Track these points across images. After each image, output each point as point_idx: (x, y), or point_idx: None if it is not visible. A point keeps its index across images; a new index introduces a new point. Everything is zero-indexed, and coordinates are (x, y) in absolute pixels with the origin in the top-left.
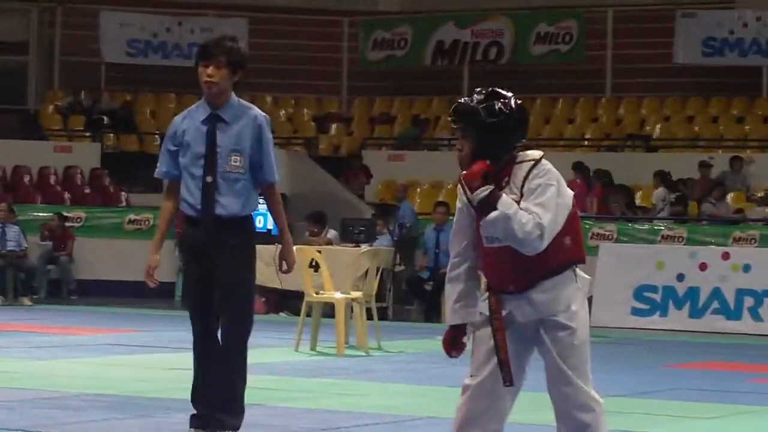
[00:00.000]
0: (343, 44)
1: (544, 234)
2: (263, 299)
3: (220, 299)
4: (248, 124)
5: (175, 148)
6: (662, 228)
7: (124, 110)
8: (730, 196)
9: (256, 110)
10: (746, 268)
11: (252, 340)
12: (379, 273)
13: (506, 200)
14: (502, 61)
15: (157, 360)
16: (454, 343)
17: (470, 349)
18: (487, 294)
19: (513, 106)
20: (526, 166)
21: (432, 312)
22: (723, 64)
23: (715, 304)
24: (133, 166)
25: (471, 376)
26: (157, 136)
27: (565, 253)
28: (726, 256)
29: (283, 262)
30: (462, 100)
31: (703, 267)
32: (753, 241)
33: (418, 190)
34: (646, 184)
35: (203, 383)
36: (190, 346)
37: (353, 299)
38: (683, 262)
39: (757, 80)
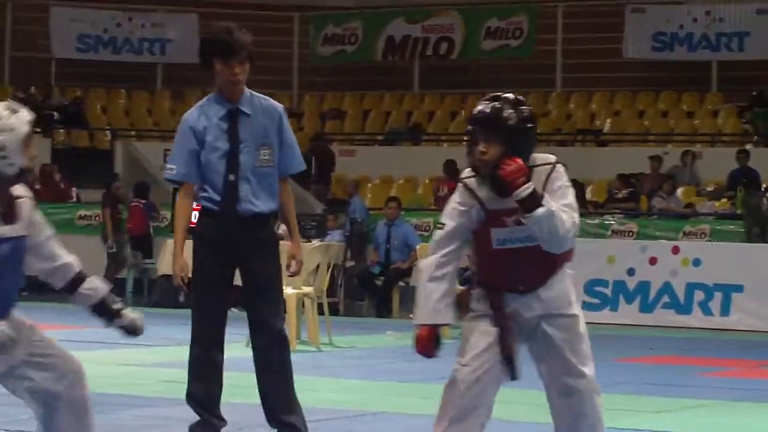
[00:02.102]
0: (293, 39)
1: (575, 232)
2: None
3: (253, 298)
4: (269, 115)
5: (196, 148)
6: (613, 222)
7: (74, 106)
8: (680, 191)
9: (272, 100)
10: (696, 262)
11: None
12: (330, 268)
13: (548, 198)
14: (453, 57)
15: (111, 356)
16: (437, 343)
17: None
18: (479, 292)
19: (531, 111)
20: (545, 169)
21: (383, 307)
22: (672, 59)
23: (666, 299)
24: (83, 161)
25: (464, 365)
26: (108, 131)
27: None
28: (676, 250)
29: (293, 262)
30: (483, 107)
31: (653, 261)
32: (703, 235)
33: (369, 185)
34: (597, 178)
35: (265, 393)
36: (145, 341)
37: (304, 294)
38: (634, 256)
39: (707, 75)
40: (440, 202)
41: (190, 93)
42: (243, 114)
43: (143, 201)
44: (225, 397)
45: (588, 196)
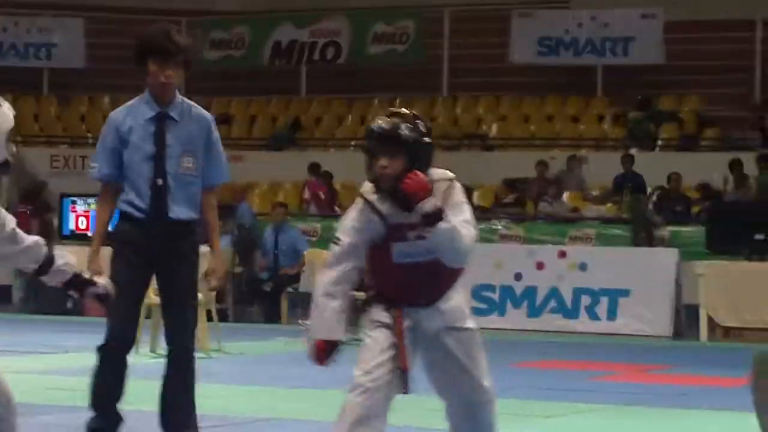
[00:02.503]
0: None
1: (473, 247)
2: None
3: (169, 306)
4: (197, 123)
5: (118, 147)
6: (499, 227)
7: None
8: (566, 195)
9: (201, 109)
10: (583, 266)
11: (91, 342)
12: None
13: (449, 213)
14: (340, 61)
15: (3, 362)
16: (330, 356)
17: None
18: (379, 305)
19: (428, 127)
20: (444, 184)
21: (272, 313)
22: (558, 63)
23: (553, 303)
24: None
25: (366, 372)
26: None
27: None
28: (562, 254)
29: (213, 277)
30: (383, 123)
31: (540, 266)
32: (589, 239)
33: (257, 190)
34: (484, 183)
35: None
36: (32, 349)
37: None
38: (521, 261)
39: (592, 79)
40: (305, 203)
41: (77, 98)
42: (170, 119)
43: (30, 206)
44: (134, 405)
45: (475, 200)
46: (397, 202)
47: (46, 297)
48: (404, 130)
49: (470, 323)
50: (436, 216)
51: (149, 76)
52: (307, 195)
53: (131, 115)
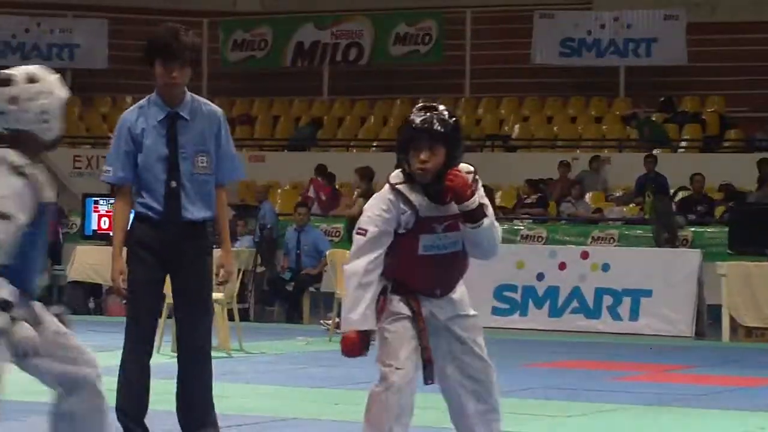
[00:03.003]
0: (203, 45)
1: None
2: (123, 301)
3: (182, 305)
4: (208, 120)
5: (132, 150)
6: (522, 228)
7: None
8: (588, 196)
9: (213, 105)
10: (605, 267)
11: (113, 342)
12: (241, 274)
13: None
14: (362, 62)
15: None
16: (364, 345)
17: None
18: (397, 296)
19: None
20: (469, 177)
21: (293, 313)
22: (580, 64)
23: (575, 303)
24: None
25: (396, 369)
26: None
27: None
28: (585, 255)
29: (221, 271)
30: (427, 115)
31: (562, 266)
32: (612, 240)
33: (279, 191)
34: (506, 184)
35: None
36: None
37: (215, 300)
38: (543, 261)
39: (615, 80)
40: (309, 200)
41: (100, 99)
42: (182, 119)
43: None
44: (151, 405)
45: (497, 201)
46: (432, 195)
47: (68, 296)
48: (447, 123)
49: (473, 310)
50: (480, 213)
51: (157, 77)
52: (311, 193)
53: (143, 116)
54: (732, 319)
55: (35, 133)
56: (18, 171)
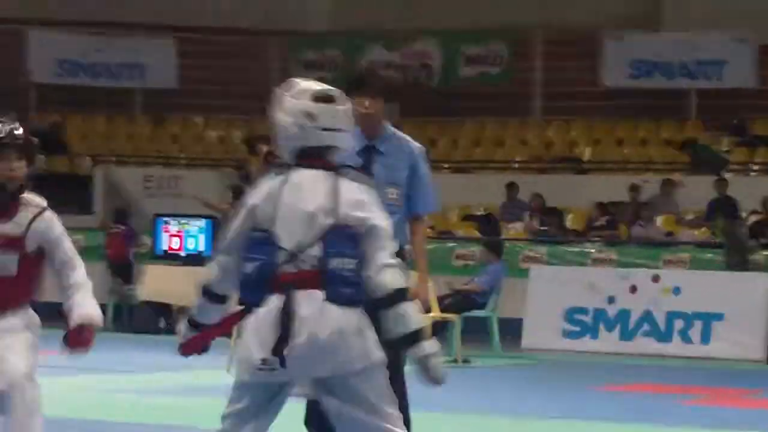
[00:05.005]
0: (272, 64)
1: None
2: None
3: None
4: (403, 155)
5: None
6: (592, 251)
7: (53, 131)
8: (660, 219)
9: (412, 142)
10: (676, 290)
11: (185, 362)
12: None
13: None
14: (432, 83)
15: (90, 382)
16: None
17: None
18: None
19: None
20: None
21: None
22: (650, 86)
23: (646, 327)
24: (63, 187)
25: None
26: (87, 157)
27: None
28: (656, 278)
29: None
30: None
31: (633, 290)
32: (683, 263)
33: None
34: (577, 206)
35: None
36: (125, 368)
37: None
38: (614, 284)
39: (686, 103)
40: None
41: (170, 118)
42: (377, 152)
43: (123, 227)
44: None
45: (568, 224)
46: None
47: (139, 316)
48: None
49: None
50: None
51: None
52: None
53: None
54: None
55: None
56: None
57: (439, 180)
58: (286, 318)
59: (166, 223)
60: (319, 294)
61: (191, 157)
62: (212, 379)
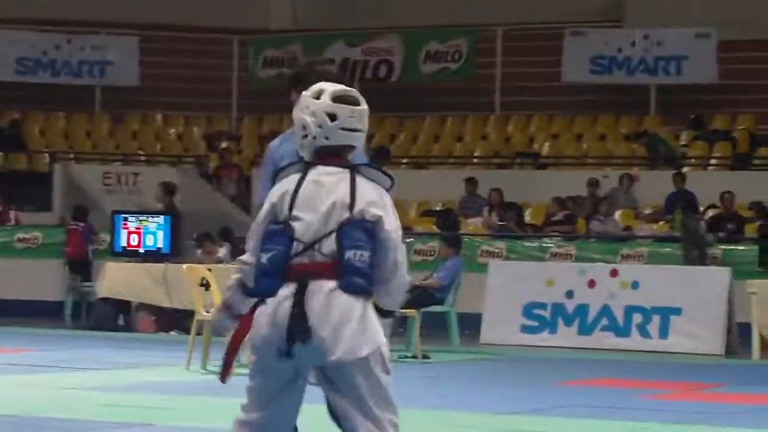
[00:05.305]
0: (233, 63)
1: None
2: (154, 318)
3: None
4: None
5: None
6: (551, 245)
7: (12, 128)
8: (618, 214)
9: None
10: (635, 285)
11: (143, 359)
12: None
13: None
14: (393, 79)
15: (51, 380)
16: None
17: None
18: None
19: None
20: None
21: None
22: (611, 82)
23: (604, 321)
24: (22, 184)
25: None
26: (46, 154)
27: None
28: (614, 273)
29: None
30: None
31: (591, 284)
32: (641, 258)
33: None
34: (535, 201)
35: None
36: (84, 365)
37: None
38: (572, 279)
39: (645, 98)
40: None
41: (130, 116)
42: None
43: (82, 224)
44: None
45: (527, 218)
46: None
47: (98, 313)
48: None
49: None
50: None
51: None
52: None
53: (285, 143)
54: (762, 337)
55: None
56: None
57: (398, 175)
58: (299, 306)
59: (125, 219)
60: (332, 284)
61: (150, 154)
62: (170, 376)
